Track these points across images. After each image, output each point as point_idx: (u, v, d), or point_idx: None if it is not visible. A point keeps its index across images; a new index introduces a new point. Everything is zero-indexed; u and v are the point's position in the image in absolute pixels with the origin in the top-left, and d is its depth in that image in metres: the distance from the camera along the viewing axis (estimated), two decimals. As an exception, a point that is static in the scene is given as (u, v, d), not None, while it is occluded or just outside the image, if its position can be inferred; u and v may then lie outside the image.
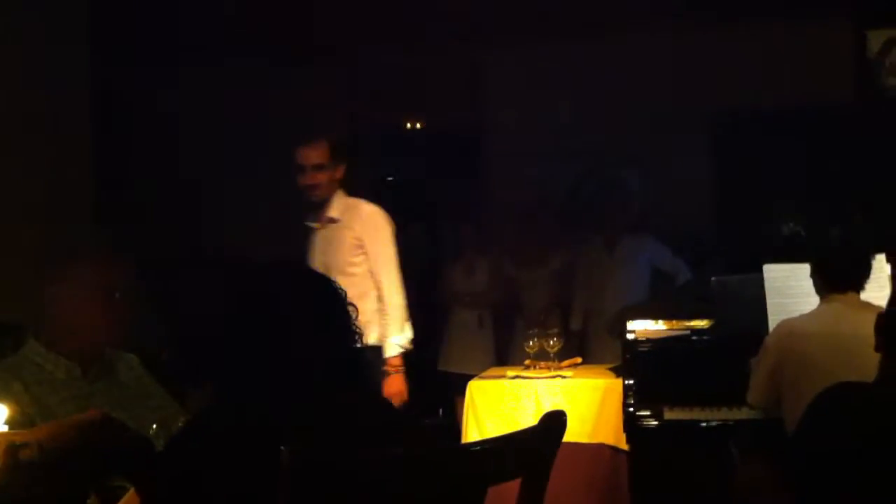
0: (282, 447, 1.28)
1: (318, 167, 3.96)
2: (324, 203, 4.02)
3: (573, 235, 5.61)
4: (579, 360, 4.49)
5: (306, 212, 4.12)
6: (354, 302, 1.67)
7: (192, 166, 6.38)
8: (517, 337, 5.20)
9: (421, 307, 4.63)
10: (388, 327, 3.91)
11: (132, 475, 1.33)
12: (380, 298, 3.93)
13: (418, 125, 7.28)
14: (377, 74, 6.45)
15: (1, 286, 3.91)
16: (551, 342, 4.31)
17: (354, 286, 2.90)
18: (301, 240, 4.12)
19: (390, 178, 7.37)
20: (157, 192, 6.30)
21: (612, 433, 3.95)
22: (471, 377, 4.37)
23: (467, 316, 5.71)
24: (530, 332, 4.47)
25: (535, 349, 4.34)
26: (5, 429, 1.22)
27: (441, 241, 6.59)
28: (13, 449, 1.10)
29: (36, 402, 2.24)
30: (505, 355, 5.46)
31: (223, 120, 6.34)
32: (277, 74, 6.34)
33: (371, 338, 3.80)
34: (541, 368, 4.26)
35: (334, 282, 1.68)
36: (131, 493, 1.41)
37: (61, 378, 2.34)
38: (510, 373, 4.29)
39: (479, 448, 1.70)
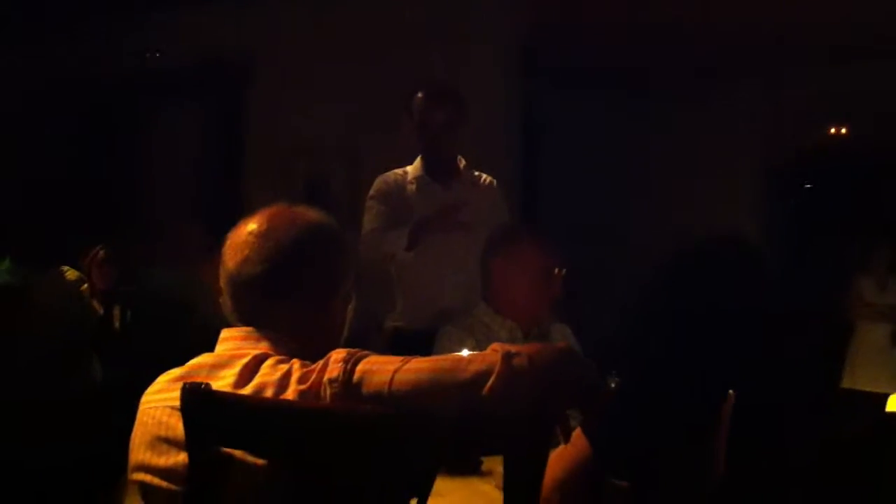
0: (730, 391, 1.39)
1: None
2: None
3: None
4: None
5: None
6: None
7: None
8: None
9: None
10: None
11: (589, 408, 1.40)
12: None
13: (843, 130, 6.96)
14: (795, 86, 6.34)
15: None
16: None
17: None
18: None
19: (808, 185, 7.10)
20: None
21: None
22: (878, 396, 4.13)
23: (878, 332, 5.41)
24: None
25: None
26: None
27: (853, 254, 6.29)
28: (508, 356, 1.26)
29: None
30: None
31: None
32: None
33: None
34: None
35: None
36: (578, 430, 1.49)
37: (504, 337, 2.65)
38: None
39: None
